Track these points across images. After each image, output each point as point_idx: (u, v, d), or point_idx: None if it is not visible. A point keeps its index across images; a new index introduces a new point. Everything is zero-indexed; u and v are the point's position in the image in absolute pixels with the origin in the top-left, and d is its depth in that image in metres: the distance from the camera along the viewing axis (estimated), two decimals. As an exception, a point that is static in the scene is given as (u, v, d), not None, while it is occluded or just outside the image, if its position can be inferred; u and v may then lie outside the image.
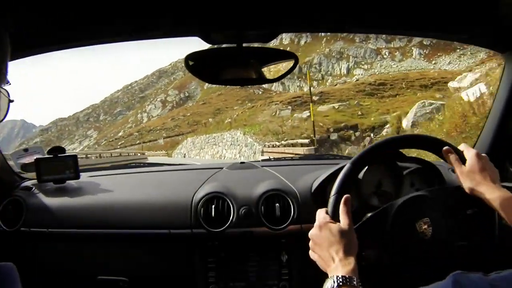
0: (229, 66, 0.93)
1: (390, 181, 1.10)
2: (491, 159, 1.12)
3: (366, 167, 1.07)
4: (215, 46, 0.90)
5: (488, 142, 1.16)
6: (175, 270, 1.23)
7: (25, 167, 1.39)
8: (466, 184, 0.88)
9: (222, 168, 1.42)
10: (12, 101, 0.48)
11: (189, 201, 1.20)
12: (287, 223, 1.16)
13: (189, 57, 0.89)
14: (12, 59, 0.95)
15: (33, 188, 1.34)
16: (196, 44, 0.90)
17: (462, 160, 0.89)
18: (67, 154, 1.36)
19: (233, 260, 1.19)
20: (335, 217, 0.83)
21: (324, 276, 0.81)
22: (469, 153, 0.89)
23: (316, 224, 0.82)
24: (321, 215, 0.85)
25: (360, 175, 1.09)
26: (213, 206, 1.17)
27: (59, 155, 1.35)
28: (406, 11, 0.92)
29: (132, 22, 0.88)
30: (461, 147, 0.93)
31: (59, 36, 0.93)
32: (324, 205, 0.93)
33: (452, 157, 0.89)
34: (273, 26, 0.89)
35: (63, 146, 1.46)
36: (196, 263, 1.19)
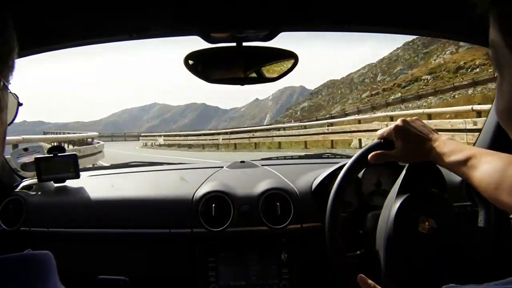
0: (229, 65, 0.94)
1: (390, 180, 1.10)
2: None
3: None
4: (215, 45, 0.90)
5: (488, 142, 1.16)
6: (175, 270, 1.23)
7: (25, 166, 1.39)
8: (407, 163, 0.85)
9: (222, 167, 1.43)
10: (21, 104, 0.45)
11: (189, 200, 1.20)
12: (287, 222, 1.16)
13: (189, 56, 0.89)
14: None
15: (33, 188, 1.34)
16: (199, 43, 0.90)
17: (391, 145, 0.85)
18: (66, 153, 1.36)
19: (233, 260, 1.19)
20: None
21: (324, 275, 0.81)
22: (388, 133, 0.85)
23: None
24: None
25: (360, 174, 1.09)
26: (213, 205, 1.17)
27: (59, 154, 1.35)
28: (407, 10, 0.92)
29: (132, 21, 0.88)
30: (378, 132, 0.88)
31: (57, 36, 0.93)
32: (324, 204, 0.93)
33: (376, 154, 0.85)
34: (273, 26, 0.89)
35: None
36: (196, 263, 1.19)
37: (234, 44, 0.89)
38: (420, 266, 0.84)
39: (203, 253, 1.19)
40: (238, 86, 0.96)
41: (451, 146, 0.76)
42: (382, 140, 0.88)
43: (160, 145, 24.44)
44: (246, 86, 0.96)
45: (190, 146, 21.74)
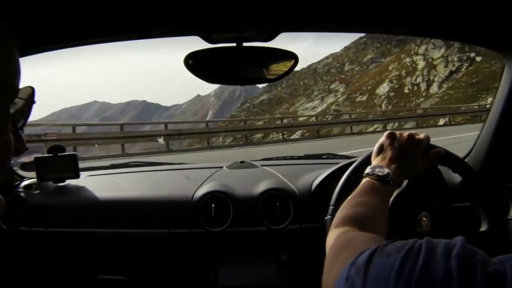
0: (229, 65, 0.94)
1: None
2: (491, 158, 1.11)
3: None
4: (215, 45, 0.90)
5: (488, 142, 1.16)
6: (174, 270, 1.23)
7: (25, 166, 1.39)
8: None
9: (222, 167, 1.43)
10: (34, 102, 0.43)
11: (188, 200, 1.20)
12: (287, 222, 1.16)
13: (189, 57, 0.89)
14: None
15: (33, 188, 1.34)
16: (198, 43, 0.91)
17: None
18: (66, 153, 1.36)
19: (233, 260, 1.19)
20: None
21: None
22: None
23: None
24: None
25: None
26: (212, 206, 1.17)
27: (58, 154, 1.35)
28: (406, 11, 0.92)
29: (132, 21, 0.88)
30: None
31: (57, 36, 0.93)
32: (324, 204, 0.93)
33: None
34: (273, 26, 0.89)
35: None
36: (196, 263, 1.19)
37: (234, 44, 0.89)
38: None
39: (202, 253, 1.19)
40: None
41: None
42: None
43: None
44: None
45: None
